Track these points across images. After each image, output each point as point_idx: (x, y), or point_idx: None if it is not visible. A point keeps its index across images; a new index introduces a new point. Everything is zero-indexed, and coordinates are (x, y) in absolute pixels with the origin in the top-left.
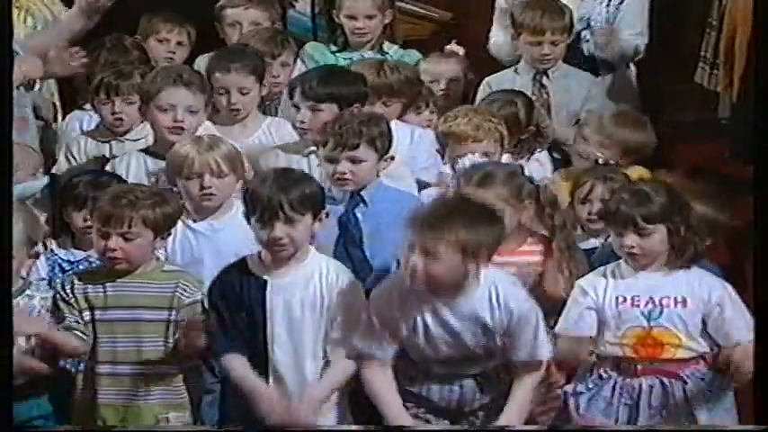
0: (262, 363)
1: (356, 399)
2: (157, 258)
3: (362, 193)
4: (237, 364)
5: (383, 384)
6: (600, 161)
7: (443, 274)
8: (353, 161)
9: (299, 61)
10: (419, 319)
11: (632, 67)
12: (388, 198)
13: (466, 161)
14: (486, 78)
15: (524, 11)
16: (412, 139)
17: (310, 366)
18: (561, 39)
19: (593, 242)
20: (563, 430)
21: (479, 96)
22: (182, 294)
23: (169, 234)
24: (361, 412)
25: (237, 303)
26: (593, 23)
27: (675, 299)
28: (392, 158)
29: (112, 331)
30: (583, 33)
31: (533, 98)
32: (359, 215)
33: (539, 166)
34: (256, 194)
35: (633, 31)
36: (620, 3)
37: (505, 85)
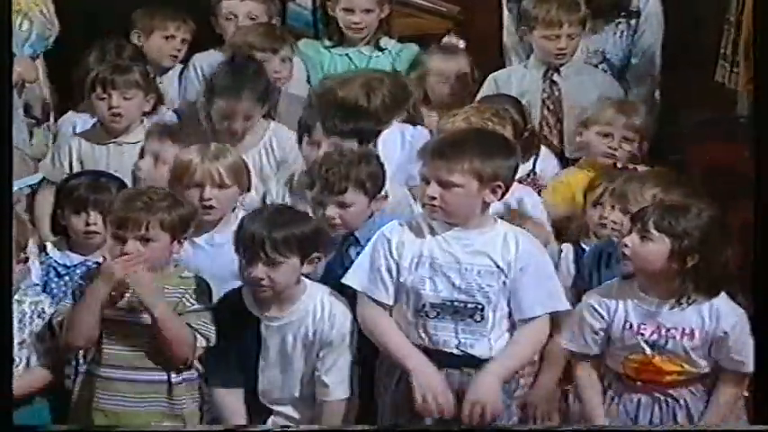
0: (249, 393)
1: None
2: (176, 265)
3: (356, 233)
4: (232, 400)
5: (385, 323)
6: (618, 164)
7: (460, 203)
8: (341, 205)
9: (296, 58)
10: (427, 248)
11: None
12: None
13: None
14: (493, 74)
15: (538, 4)
16: (403, 140)
17: (298, 399)
18: (577, 32)
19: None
20: (563, 430)
21: (483, 93)
22: (187, 300)
23: (185, 238)
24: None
25: (232, 336)
26: (608, 56)
27: (683, 330)
28: (385, 197)
29: (123, 334)
30: (600, 67)
31: (544, 95)
32: (352, 255)
33: (546, 165)
34: (243, 230)
35: (652, 42)
36: (635, 33)
37: (513, 82)
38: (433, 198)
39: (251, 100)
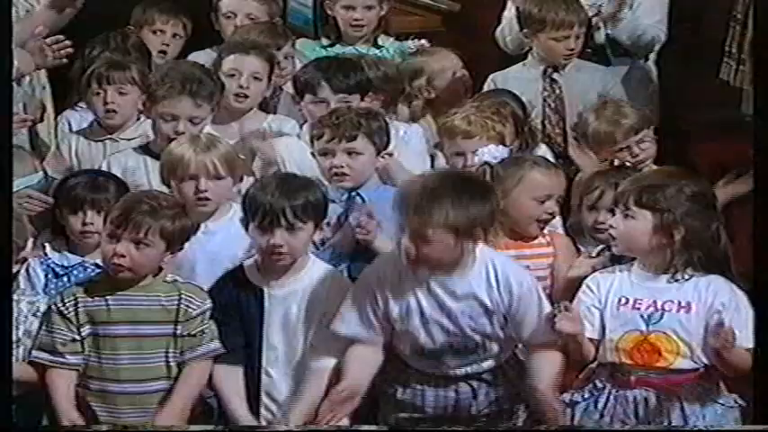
0: (254, 369)
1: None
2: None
3: (361, 191)
4: (231, 381)
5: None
6: (615, 163)
7: (437, 256)
8: (350, 154)
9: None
10: (413, 300)
11: (651, 61)
12: (386, 197)
13: (484, 155)
14: (492, 75)
15: (545, 7)
16: (397, 138)
17: (302, 374)
18: (584, 31)
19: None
20: (564, 430)
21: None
22: (188, 306)
23: (180, 249)
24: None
25: (235, 312)
26: (604, 11)
27: (679, 303)
28: (390, 155)
29: (115, 348)
30: (594, 21)
31: (545, 93)
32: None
33: None
34: (257, 200)
35: (651, 20)
36: None
37: (512, 81)
38: (410, 252)
39: (259, 57)
